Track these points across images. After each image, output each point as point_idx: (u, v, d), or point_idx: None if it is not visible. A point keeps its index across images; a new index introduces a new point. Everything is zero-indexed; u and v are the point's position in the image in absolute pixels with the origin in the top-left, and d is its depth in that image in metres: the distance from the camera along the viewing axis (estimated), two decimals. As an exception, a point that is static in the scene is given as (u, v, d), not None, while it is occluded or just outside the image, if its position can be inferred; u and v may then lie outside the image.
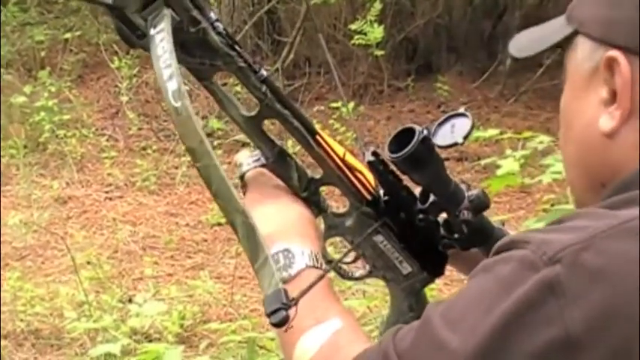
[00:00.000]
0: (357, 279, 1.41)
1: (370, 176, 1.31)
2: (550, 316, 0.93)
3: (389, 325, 1.40)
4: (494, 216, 1.37)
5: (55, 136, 6.72)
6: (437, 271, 1.38)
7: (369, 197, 1.32)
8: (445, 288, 4.62)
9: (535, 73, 7.00)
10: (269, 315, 1.05)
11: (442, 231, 1.33)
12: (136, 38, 1.17)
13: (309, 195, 1.30)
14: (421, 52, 7.63)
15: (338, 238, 1.36)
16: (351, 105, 6.75)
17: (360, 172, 1.31)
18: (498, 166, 3.07)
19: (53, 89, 7.09)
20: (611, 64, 1.02)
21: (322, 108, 7.13)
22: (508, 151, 3.20)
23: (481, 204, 1.28)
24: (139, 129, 7.06)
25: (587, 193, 1.10)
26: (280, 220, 1.25)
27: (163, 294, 4.83)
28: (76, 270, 4.76)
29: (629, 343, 0.92)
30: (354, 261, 1.39)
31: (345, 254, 1.33)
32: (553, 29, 1.12)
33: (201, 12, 1.19)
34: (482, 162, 4.08)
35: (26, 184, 6.18)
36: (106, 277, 4.98)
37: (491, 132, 3.54)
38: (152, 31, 1.14)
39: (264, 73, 1.23)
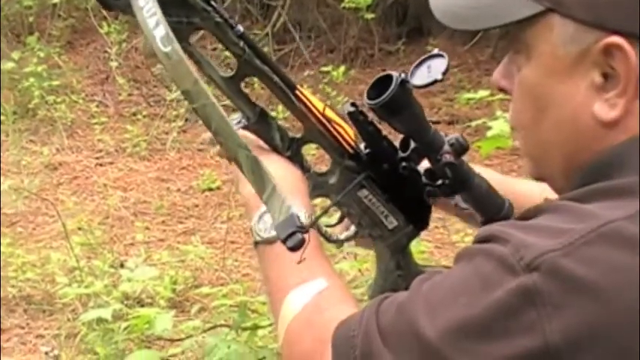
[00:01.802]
0: (342, 241, 1.41)
1: (350, 131, 1.31)
2: (529, 325, 0.92)
3: (377, 286, 1.40)
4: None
5: (45, 102, 6.69)
6: (422, 223, 1.38)
7: (350, 151, 1.31)
8: (437, 251, 4.64)
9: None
10: (284, 240, 1.05)
11: (425, 179, 1.32)
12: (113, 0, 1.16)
13: (292, 155, 1.30)
14: (412, 15, 7.60)
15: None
16: (342, 69, 6.73)
17: (341, 127, 1.30)
18: (489, 128, 3.06)
19: (42, 55, 7.05)
20: (610, 50, 0.99)
21: (312, 72, 7.10)
22: (499, 113, 3.19)
23: (461, 147, 1.26)
24: (129, 95, 7.03)
25: (561, 172, 1.07)
26: (287, 179, 1.25)
27: (155, 259, 4.83)
28: (67, 236, 4.76)
29: (612, 353, 0.91)
30: (339, 222, 1.39)
31: (327, 209, 1.31)
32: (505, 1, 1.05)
33: None
34: (474, 123, 4.06)
35: (16, 151, 6.16)
36: (97, 242, 4.98)
37: (482, 93, 3.53)
38: None
39: (240, 28, 1.22)
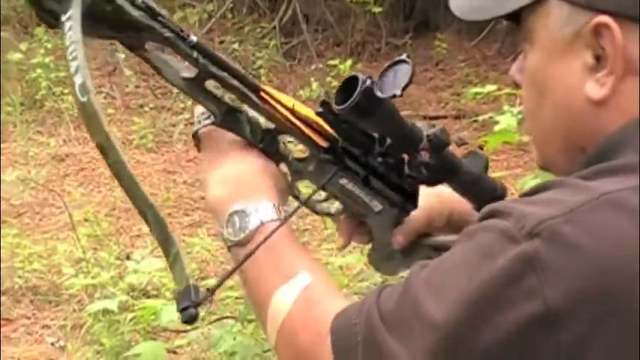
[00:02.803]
0: (333, 215, 1.39)
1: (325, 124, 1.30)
2: (530, 291, 0.93)
3: (376, 255, 1.40)
4: (491, 174, 1.36)
5: (52, 94, 6.70)
6: (408, 207, 1.36)
7: (325, 145, 1.30)
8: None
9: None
10: (179, 312, 1.05)
11: (407, 170, 1.30)
12: (55, 21, 1.15)
13: (265, 146, 1.28)
14: (419, 9, 7.60)
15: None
16: (349, 63, 6.73)
17: (315, 121, 1.29)
18: (496, 123, 3.06)
19: (49, 46, 7.06)
20: (599, 30, 1.01)
21: (320, 66, 7.11)
22: (506, 107, 3.19)
23: (439, 143, 1.24)
24: (136, 87, 7.04)
25: (562, 156, 1.09)
26: (235, 179, 1.23)
27: (161, 251, 4.83)
28: (73, 227, 4.77)
29: (609, 317, 0.92)
30: (326, 199, 1.38)
31: (310, 197, 1.32)
32: None
33: None
34: (480, 118, 4.07)
35: (23, 142, 6.18)
36: (103, 234, 4.99)
37: (490, 88, 3.53)
38: (63, 17, 1.12)
39: (193, 39, 1.22)
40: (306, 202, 1.33)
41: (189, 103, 6.46)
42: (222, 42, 6.68)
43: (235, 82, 1.25)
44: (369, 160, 1.31)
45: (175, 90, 5.80)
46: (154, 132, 6.37)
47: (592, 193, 0.95)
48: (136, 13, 1.19)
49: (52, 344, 4.20)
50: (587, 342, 0.92)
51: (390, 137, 1.28)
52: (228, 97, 1.27)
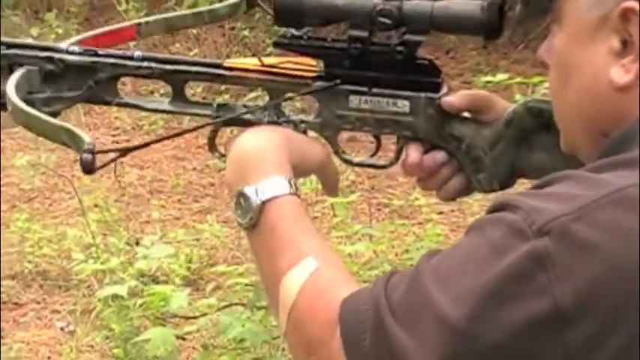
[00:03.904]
0: (382, 167, 1.36)
1: (304, 60, 1.30)
2: (539, 289, 0.92)
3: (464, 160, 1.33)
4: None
5: (62, 79, 6.70)
6: (436, 84, 1.31)
7: (313, 74, 1.30)
8: (452, 234, 4.64)
9: (544, 19, 6.95)
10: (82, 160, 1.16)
11: (394, 43, 1.28)
12: None
13: (272, 121, 1.29)
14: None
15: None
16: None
17: (290, 62, 1.29)
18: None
19: (60, 31, 7.04)
20: (626, 15, 1.00)
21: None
22: (517, 97, 3.18)
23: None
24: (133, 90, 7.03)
25: (585, 139, 1.08)
26: (242, 159, 1.22)
27: (170, 237, 4.84)
28: (83, 212, 4.78)
29: (619, 317, 0.92)
30: (375, 153, 1.36)
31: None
32: None
33: (48, 49, 1.28)
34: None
35: (33, 127, 6.18)
36: (113, 219, 4.99)
37: (501, 76, 3.53)
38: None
39: (139, 53, 1.30)
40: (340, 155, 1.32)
41: (199, 90, 6.46)
42: (232, 28, 6.66)
43: (194, 68, 1.29)
44: (355, 62, 1.28)
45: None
46: (164, 118, 6.37)
47: (604, 188, 0.94)
48: (76, 58, 1.26)
49: (62, 329, 4.22)
50: (596, 342, 0.91)
51: (344, 20, 1.27)
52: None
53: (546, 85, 3.27)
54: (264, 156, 1.20)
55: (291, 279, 1.12)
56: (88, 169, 1.17)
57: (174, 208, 5.30)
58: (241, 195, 1.18)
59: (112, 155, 1.21)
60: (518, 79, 3.60)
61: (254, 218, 1.17)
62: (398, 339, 0.99)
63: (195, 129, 1.31)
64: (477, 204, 4.73)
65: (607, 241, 0.92)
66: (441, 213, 4.87)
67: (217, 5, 1.40)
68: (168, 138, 1.32)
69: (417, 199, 4.87)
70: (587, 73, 1.04)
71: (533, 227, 0.93)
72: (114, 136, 6.19)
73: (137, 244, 4.58)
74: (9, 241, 4.74)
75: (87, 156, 1.16)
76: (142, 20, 1.40)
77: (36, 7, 7.64)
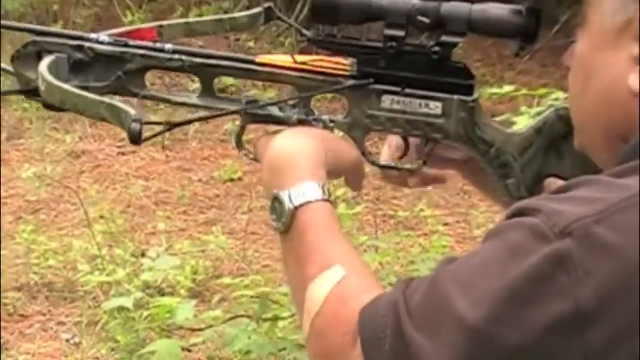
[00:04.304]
0: (408, 169, 1.35)
1: (336, 59, 1.29)
2: (561, 290, 0.92)
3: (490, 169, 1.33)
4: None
5: (68, 90, 6.70)
6: (469, 86, 1.29)
7: (345, 73, 1.29)
8: (457, 246, 4.63)
9: (550, 30, 6.95)
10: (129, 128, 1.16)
11: (429, 45, 1.28)
12: None
13: (300, 121, 1.29)
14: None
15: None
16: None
17: (322, 60, 1.28)
18: (513, 123, 3.05)
19: (66, 43, 7.06)
20: None
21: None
22: (523, 109, 3.18)
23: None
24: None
25: (603, 143, 1.09)
26: (276, 162, 1.21)
27: (176, 248, 4.84)
28: (89, 224, 4.78)
29: (639, 316, 0.92)
30: (403, 155, 1.34)
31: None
32: None
33: (79, 38, 1.29)
34: (497, 119, 4.06)
35: (39, 138, 6.19)
36: (118, 231, 4.99)
37: (507, 88, 3.52)
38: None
39: (169, 46, 1.28)
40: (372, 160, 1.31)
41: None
42: (237, 39, 6.68)
43: (225, 62, 1.27)
44: (389, 62, 1.28)
45: (191, 87, 5.75)
46: (172, 132, 6.37)
47: (625, 191, 0.95)
48: (107, 48, 1.28)
49: (67, 341, 4.21)
50: (616, 342, 0.92)
51: (381, 19, 1.26)
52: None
53: (553, 96, 3.27)
54: (298, 160, 1.20)
55: (318, 286, 1.11)
56: (136, 138, 1.16)
57: (180, 219, 5.30)
58: (276, 199, 1.18)
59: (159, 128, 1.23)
60: (524, 91, 3.60)
61: (286, 223, 1.16)
62: (416, 342, 0.99)
63: (227, 113, 1.30)
64: (483, 215, 4.72)
65: (628, 243, 0.92)
66: (446, 224, 4.87)
67: (238, 14, 1.40)
68: (208, 118, 1.31)
69: (422, 210, 4.87)
70: (606, 77, 1.05)
71: (555, 229, 0.93)
72: (119, 147, 6.19)
73: (143, 255, 4.58)
74: (15, 252, 4.74)
75: (135, 125, 1.16)
76: (164, 23, 1.39)
77: (42, 19, 7.66)
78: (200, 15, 7.74)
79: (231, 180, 5.68)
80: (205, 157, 6.11)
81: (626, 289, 0.91)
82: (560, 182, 1.26)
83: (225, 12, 8.10)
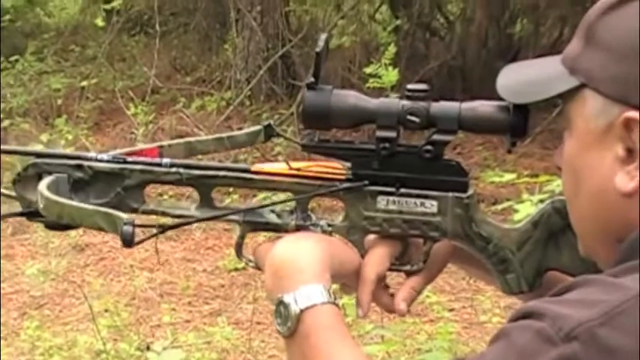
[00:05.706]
0: (412, 272, 1.34)
1: (331, 164, 1.31)
2: None
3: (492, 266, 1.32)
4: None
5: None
6: (463, 183, 1.29)
7: (340, 177, 1.30)
8: (464, 331, 4.59)
9: (551, 113, 7.00)
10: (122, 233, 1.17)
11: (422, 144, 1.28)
12: None
13: (299, 226, 1.30)
14: (436, 94, 7.62)
15: None
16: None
17: (317, 166, 1.30)
18: (516, 211, 3.05)
19: (70, 137, 7.13)
20: (629, 124, 1.02)
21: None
22: (525, 196, 3.18)
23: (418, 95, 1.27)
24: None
25: (601, 245, 1.09)
26: (279, 266, 1.21)
27: (181, 341, 4.81)
28: (93, 318, 4.75)
29: None
30: (401, 256, 1.33)
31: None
32: (549, 75, 1.12)
33: (77, 157, 1.32)
34: (499, 207, 4.06)
35: (44, 233, 6.19)
36: (123, 324, 4.97)
37: (508, 177, 3.53)
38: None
39: (167, 160, 1.31)
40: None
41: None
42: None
43: (221, 172, 1.30)
44: (382, 163, 1.28)
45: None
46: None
47: (626, 292, 0.96)
48: (107, 165, 1.31)
49: None
50: None
51: (372, 122, 1.28)
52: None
53: (555, 183, 3.28)
54: (302, 264, 1.20)
55: None
56: (129, 241, 1.16)
57: (185, 310, 5.28)
58: (281, 303, 1.18)
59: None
60: (526, 179, 3.61)
61: (292, 327, 1.16)
62: None
63: (226, 215, 1.31)
64: (489, 301, 4.70)
65: (633, 345, 0.93)
66: (452, 310, 4.84)
67: (237, 132, 1.43)
68: (201, 220, 1.33)
69: (427, 296, 4.84)
70: (595, 178, 1.06)
71: (561, 333, 0.94)
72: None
73: (148, 349, 4.54)
74: (19, 349, 4.71)
75: (127, 228, 1.17)
76: (165, 143, 1.42)
77: (46, 114, 7.74)
78: (202, 106, 7.81)
79: (236, 269, 5.67)
80: (209, 247, 6.10)
81: None
82: (560, 275, 1.27)
83: (228, 102, 8.17)
